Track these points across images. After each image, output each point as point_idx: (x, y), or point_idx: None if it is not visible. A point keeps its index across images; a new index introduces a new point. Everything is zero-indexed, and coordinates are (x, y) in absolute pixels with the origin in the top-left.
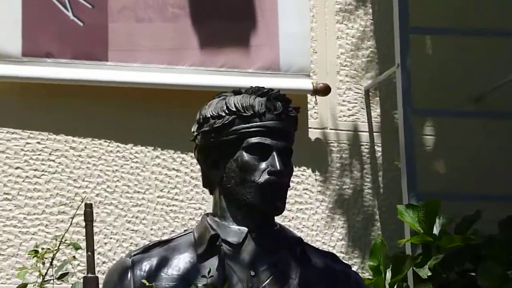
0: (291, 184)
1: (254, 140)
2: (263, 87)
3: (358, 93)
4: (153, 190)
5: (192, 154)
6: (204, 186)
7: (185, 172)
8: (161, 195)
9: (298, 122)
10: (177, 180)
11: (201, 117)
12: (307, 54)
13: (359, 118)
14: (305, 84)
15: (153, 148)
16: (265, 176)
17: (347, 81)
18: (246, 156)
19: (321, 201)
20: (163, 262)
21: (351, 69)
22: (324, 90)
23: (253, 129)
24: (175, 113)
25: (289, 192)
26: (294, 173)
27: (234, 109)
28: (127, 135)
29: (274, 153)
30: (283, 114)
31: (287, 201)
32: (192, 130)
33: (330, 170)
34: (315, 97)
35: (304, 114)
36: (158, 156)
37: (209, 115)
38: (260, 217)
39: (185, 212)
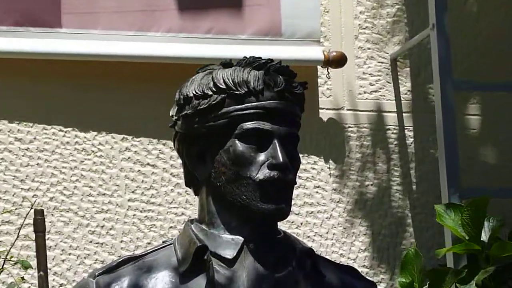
0: (299, 181)
1: (249, 125)
2: (260, 58)
3: (382, 63)
4: (123, 191)
5: (172, 145)
6: (187, 185)
7: (164, 168)
8: (133, 198)
9: (306, 101)
10: (153, 178)
11: (181, 97)
12: (316, 14)
13: (384, 95)
14: (314, 53)
15: (121, 138)
16: (264, 171)
17: (368, 48)
18: (240, 145)
19: (338, 201)
20: (137, 284)
21: (373, 32)
22: (338, 60)
23: (248, 111)
24: (149, 92)
25: (296, 191)
26: (301, 167)
27: (223, 86)
28: (87, 121)
29: (276, 141)
30: (287, 91)
31: (293, 202)
32: (171, 114)
33: (348, 161)
34: (327, 69)
35: (314, 91)
36: (128, 148)
37: (191, 95)
38: (259, 223)
39: (164, 219)
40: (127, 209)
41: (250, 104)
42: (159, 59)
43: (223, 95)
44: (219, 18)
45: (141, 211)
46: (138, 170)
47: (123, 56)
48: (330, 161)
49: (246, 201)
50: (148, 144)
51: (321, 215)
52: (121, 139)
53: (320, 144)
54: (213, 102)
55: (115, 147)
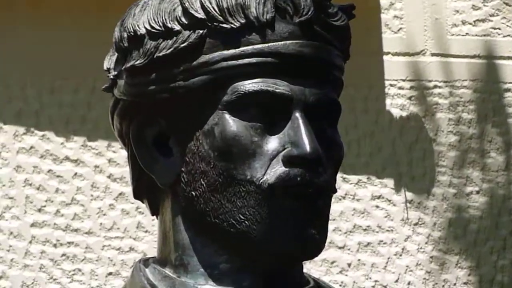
0: (344, 187)
1: (250, 86)
2: None
3: None
4: (20, 210)
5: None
6: (136, 196)
7: (100, 169)
8: (40, 222)
9: (359, 41)
10: (77, 184)
11: (124, 35)
12: None
13: (499, 28)
14: None
15: (25, 128)
16: (278, 169)
17: None
18: (232, 123)
19: (415, 224)
20: None
21: None
22: None
23: (246, 61)
24: (74, 31)
25: (337, 205)
26: (350, 162)
27: (200, 14)
28: None
29: (298, 114)
30: (317, 23)
31: (333, 225)
32: (106, 67)
33: (433, 150)
34: None
35: (372, 23)
36: (33, 146)
37: (143, 31)
38: (269, 266)
39: (97, 258)
40: (30, 242)
41: (250, 47)
42: None
43: (201, 32)
44: None
45: (55, 245)
46: (49, 171)
47: None
48: (399, 153)
49: (244, 225)
50: (73, 139)
51: (385, 250)
52: (24, 131)
53: (378, 120)
54: (182, 45)
55: (15, 142)
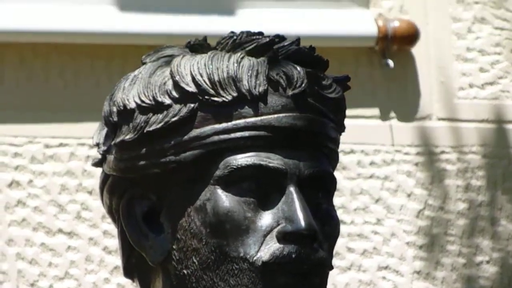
0: (349, 257)
1: (242, 160)
2: (260, 33)
3: (503, 29)
4: (14, 286)
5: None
6: (126, 274)
7: (94, 241)
8: None
9: (355, 109)
10: (74, 257)
11: (113, 109)
12: None
13: (507, 91)
14: (361, 21)
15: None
16: (272, 246)
17: (476, 2)
18: (225, 198)
19: None
20: None
21: None
22: (404, 36)
23: (238, 135)
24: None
25: (342, 277)
26: (355, 230)
27: (192, 88)
28: None
29: (292, 188)
30: (312, 95)
31: None
32: (95, 142)
33: (441, 219)
34: (385, 50)
35: (366, 88)
36: (25, 219)
37: (133, 105)
38: None
39: None
40: None
41: (242, 121)
42: (78, 35)
43: (192, 105)
44: None
45: None
46: (42, 244)
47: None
48: (405, 216)
49: None
50: (51, 208)
51: None
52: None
53: (384, 186)
54: (173, 119)
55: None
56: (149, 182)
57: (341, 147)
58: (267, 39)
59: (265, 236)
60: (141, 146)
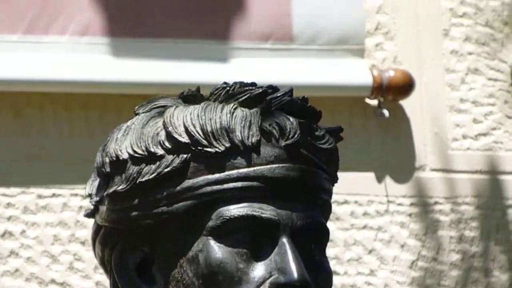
0: None
1: (235, 211)
2: (253, 83)
3: (496, 80)
4: None
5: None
6: None
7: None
8: None
9: (348, 160)
10: None
11: (106, 160)
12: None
13: (501, 142)
14: (355, 71)
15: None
16: None
17: (469, 53)
18: (218, 250)
19: None
20: None
21: (478, 23)
22: (403, 84)
23: (231, 186)
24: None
25: None
26: (350, 282)
27: (185, 138)
28: None
29: (285, 240)
30: (304, 146)
31: None
32: (87, 192)
33: (435, 269)
34: (380, 101)
35: (359, 138)
36: (18, 269)
37: (125, 155)
38: None
39: None
40: None
41: (235, 171)
42: (73, 85)
43: (185, 156)
44: (189, 21)
45: None
46: None
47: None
48: (399, 267)
49: None
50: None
51: None
52: None
53: (377, 237)
54: (166, 170)
55: None
56: (142, 233)
57: (335, 197)
58: (260, 90)
59: (258, 287)
60: (134, 196)
